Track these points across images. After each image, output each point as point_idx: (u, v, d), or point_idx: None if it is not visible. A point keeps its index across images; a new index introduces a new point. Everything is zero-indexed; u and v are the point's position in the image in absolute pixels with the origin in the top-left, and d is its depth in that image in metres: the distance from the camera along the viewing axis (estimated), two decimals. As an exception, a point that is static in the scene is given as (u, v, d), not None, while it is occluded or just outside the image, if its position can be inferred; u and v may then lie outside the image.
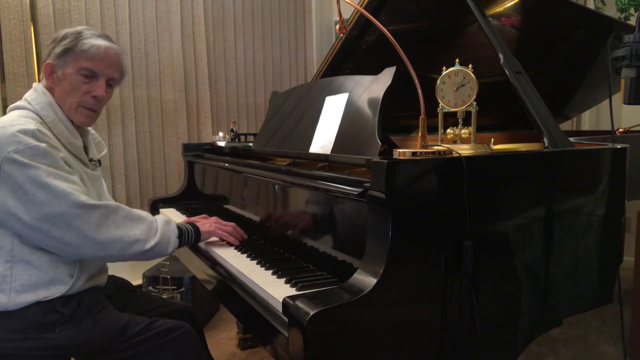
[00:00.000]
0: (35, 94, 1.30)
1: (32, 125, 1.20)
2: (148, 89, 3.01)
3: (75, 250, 1.19)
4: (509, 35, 1.87)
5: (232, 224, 1.52)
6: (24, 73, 2.56)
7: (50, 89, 1.31)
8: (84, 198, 1.18)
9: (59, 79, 1.30)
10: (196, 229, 1.43)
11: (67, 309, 1.23)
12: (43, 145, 1.18)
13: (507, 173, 1.13)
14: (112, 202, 1.25)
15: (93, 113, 1.35)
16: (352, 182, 1.08)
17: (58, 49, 1.30)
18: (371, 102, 1.32)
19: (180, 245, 1.37)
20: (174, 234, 1.34)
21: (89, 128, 1.46)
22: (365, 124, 1.30)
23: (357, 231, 1.08)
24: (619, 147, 1.29)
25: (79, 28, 1.33)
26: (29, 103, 1.28)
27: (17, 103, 1.30)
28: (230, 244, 1.48)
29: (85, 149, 1.41)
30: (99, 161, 1.47)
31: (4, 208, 1.16)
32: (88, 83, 1.30)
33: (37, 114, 1.26)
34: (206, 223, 1.49)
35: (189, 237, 1.40)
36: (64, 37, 1.30)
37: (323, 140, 1.44)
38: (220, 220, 1.52)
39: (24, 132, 1.17)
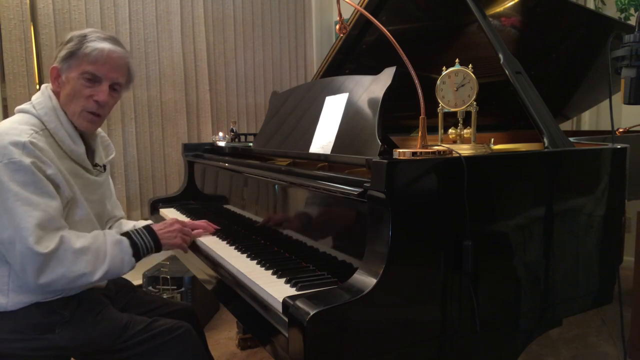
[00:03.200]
0: (42, 97, 1.28)
1: (25, 136, 1.16)
2: (148, 89, 3.01)
3: (25, 283, 1.17)
4: (509, 35, 1.87)
5: (198, 230, 1.58)
6: (24, 73, 2.56)
7: (56, 92, 1.30)
8: (31, 241, 1.11)
9: (63, 83, 1.28)
10: (155, 240, 1.36)
11: (67, 310, 1.23)
12: (27, 161, 1.14)
13: (507, 173, 1.13)
14: (55, 241, 1.15)
15: (97, 118, 1.31)
16: (352, 182, 1.08)
17: (63, 52, 1.27)
18: (371, 102, 1.32)
19: (138, 260, 1.32)
20: (127, 254, 1.28)
21: (99, 129, 1.44)
22: (365, 124, 1.30)
23: (357, 231, 1.08)
24: (619, 147, 1.29)
25: (86, 31, 1.30)
26: (34, 107, 1.26)
27: (24, 106, 1.28)
28: (229, 244, 1.48)
29: (92, 153, 1.40)
30: (104, 166, 1.44)
31: None
32: (91, 87, 1.27)
33: (39, 119, 1.25)
34: (170, 234, 1.41)
35: (147, 250, 1.34)
36: (69, 40, 1.28)
37: (323, 140, 1.44)
38: (186, 230, 1.48)
39: (15, 144, 1.15)
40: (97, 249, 1.22)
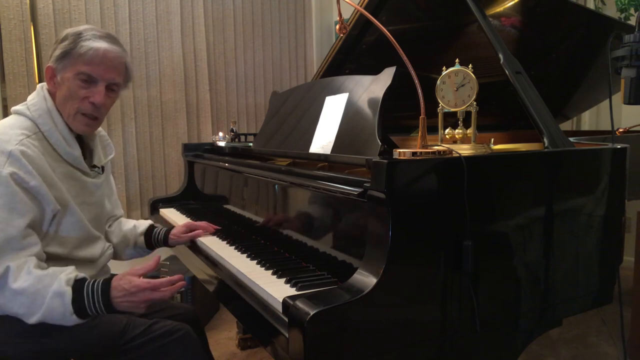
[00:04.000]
0: (37, 98, 1.25)
1: (13, 144, 1.14)
2: (148, 89, 3.01)
3: None
4: (509, 35, 1.87)
5: (198, 231, 1.62)
6: (24, 73, 2.56)
7: (52, 93, 1.26)
8: None
9: (59, 83, 1.24)
10: (107, 305, 1.16)
11: None
12: (6, 172, 1.10)
13: (507, 173, 1.13)
14: (0, 267, 1.10)
15: (93, 121, 1.28)
16: (352, 182, 1.08)
17: (57, 52, 1.23)
18: (371, 102, 1.32)
19: (87, 316, 1.16)
20: (67, 310, 1.12)
21: (99, 128, 1.40)
22: (365, 124, 1.30)
23: (357, 231, 1.08)
24: (619, 147, 1.29)
25: (81, 28, 1.25)
26: (29, 108, 1.23)
27: (19, 107, 1.26)
28: (229, 244, 1.48)
29: (91, 153, 1.37)
30: (102, 167, 1.41)
31: None
32: (86, 88, 1.23)
33: (33, 122, 1.22)
34: (130, 304, 1.18)
35: (95, 312, 1.16)
36: (64, 39, 1.24)
37: (323, 140, 1.44)
38: (156, 296, 1.20)
39: (1, 152, 1.12)
40: (35, 293, 1.11)
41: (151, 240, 1.58)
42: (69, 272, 1.17)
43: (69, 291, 1.13)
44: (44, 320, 1.13)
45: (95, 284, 1.17)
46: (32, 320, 1.12)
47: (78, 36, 1.23)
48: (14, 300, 1.11)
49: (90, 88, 1.24)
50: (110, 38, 1.28)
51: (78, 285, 1.16)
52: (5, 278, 1.10)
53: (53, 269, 1.16)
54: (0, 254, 1.10)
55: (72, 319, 1.14)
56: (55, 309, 1.12)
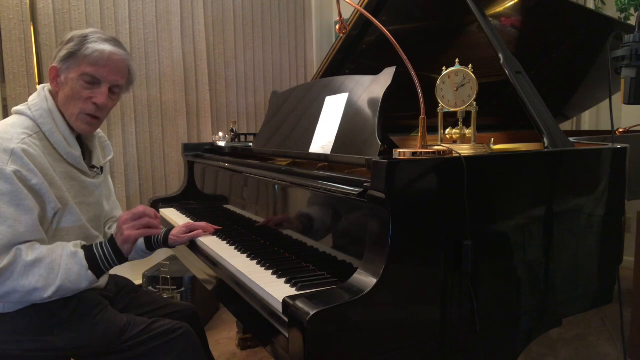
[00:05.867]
0: (38, 98, 1.27)
1: (15, 142, 1.15)
2: (148, 89, 3.01)
3: None
4: (509, 35, 1.87)
5: (198, 231, 1.59)
6: (24, 73, 2.56)
7: (54, 93, 1.28)
8: None
9: (62, 83, 1.26)
10: (114, 247, 1.25)
11: (65, 312, 1.22)
12: (10, 170, 1.12)
13: (507, 173, 1.13)
14: (9, 257, 1.11)
15: (95, 120, 1.30)
16: (352, 182, 1.08)
17: (63, 53, 1.25)
18: (371, 102, 1.32)
19: (100, 273, 1.24)
20: (83, 267, 1.19)
21: (98, 130, 1.42)
22: (365, 124, 1.30)
23: (357, 231, 1.08)
24: (619, 147, 1.29)
25: (87, 31, 1.28)
26: (30, 108, 1.25)
27: (20, 107, 1.27)
28: (229, 244, 1.48)
29: (90, 154, 1.39)
30: (102, 168, 1.42)
31: None
32: (90, 89, 1.25)
33: (34, 122, 1.23)
34: (131, 226, 1.26)
35: (107, 261, 1.24)
36: (70, 40, 1.26)
37: (323, 140, 1.44)
38: (153, 223, 1.30)
39: (4, 151, 1.13)
40: (51, 263, 1.15)
41: (151, 240, 1.58)
42: (74, 242, 1.25)
43: (80, 250, 1.21)
44: (62, 287, 1.16)
45: (102, 241, 1.27)
46: (50, 291, 1.14)
47: (84, 38, 1.25)
48: (31, 273, 1.13)
49: (94, 89, 1.26)
50: (115, 42, 1.30)
51: (87, 247, 1.24)
52: (17, 259, 1.12)
53: (59, 242, 1.22)
54: (6, 247, 1.12)
55: (89, 276, 1.20)
56: (72, 269, 1.17)
